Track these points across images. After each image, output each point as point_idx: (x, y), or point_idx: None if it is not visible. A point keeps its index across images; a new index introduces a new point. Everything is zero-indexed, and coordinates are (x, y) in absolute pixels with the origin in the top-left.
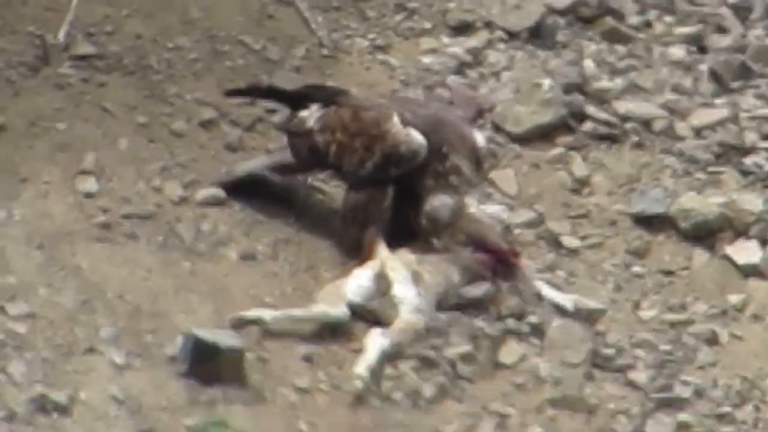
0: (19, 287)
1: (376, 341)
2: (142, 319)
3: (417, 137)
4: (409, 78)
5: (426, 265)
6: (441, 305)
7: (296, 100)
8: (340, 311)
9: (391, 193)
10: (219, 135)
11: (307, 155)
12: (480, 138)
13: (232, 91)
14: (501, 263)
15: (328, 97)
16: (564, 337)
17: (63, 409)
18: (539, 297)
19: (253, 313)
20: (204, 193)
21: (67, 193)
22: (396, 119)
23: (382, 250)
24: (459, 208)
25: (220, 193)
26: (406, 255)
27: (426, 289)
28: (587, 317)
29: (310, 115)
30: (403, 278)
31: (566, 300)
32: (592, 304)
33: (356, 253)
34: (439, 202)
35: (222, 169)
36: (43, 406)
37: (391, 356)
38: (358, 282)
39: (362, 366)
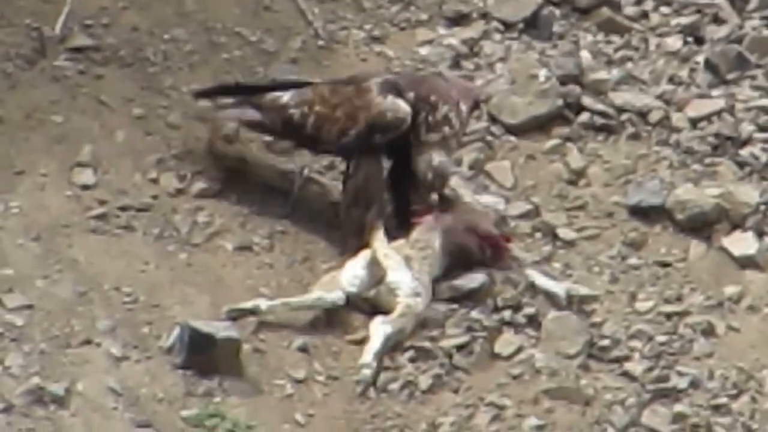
0: (17, 279)
1: (379, 329)
2: (138, 310)
3: (402, 104)
4: (405, 69)
5: (411, 243)
6: (438, 291)
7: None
8: (335, 296)
9: (386, 166)
10: (215, 127)
11: (281, 128)
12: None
13: (200, 92)
14: (493, 249)
15: (297, 86)
16: (560, 329)
17: (60, 401)
18: (532, 285)
19: (249, 303)
20: (200, 185)
21: (64, 185)
22: (375, 89)
23: (377, 237)
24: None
25: (215, 185)
26: (399, 243)
27: (418, 270)
28: (582, 306)
29: (283, 93)
30: (397, 264)
31: (558, 287)
32: (584, 290)
33: (359, 235)
34: (444, 157)
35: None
36: (40, 397)
37: (395, 343)
38: (352, 272)
39: (368, 355)
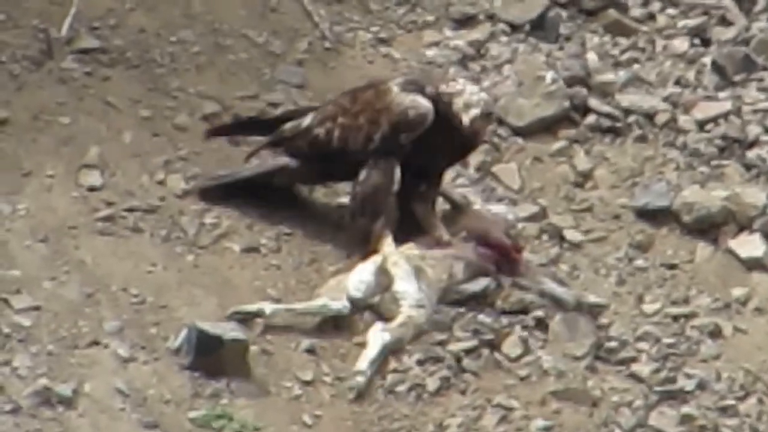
0: (24, 280)
1: (377, 336)
2: (146, 312)
3: (422, 101)
4: (411, 71)
5: (429, 260)
6: (443, 300)
7: (277, 126)
8: (340, 304)
9: (398, 180)
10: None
11: (308, 151)
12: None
13: (213, 130)
14: (504, 258)
15: (307, 112)
16: (567, 331)
17: (68, 402)
18: (542, 292)
19: (254, 306)
20: (191, 186)
21: (71, 186)
22: (396, 89)
23: (387, 245)
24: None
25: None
26: (410, 250)
27: (428, 284)
28: (590, 311)
29: (303, 119)
30: (405, 273)
31: (568, 295)
32: (593, 298)
33: (364, 244)
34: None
35: (224, 163)
36: (47, 399)
37: (394, 351)
38: (359, 277)
39: (364, 361)
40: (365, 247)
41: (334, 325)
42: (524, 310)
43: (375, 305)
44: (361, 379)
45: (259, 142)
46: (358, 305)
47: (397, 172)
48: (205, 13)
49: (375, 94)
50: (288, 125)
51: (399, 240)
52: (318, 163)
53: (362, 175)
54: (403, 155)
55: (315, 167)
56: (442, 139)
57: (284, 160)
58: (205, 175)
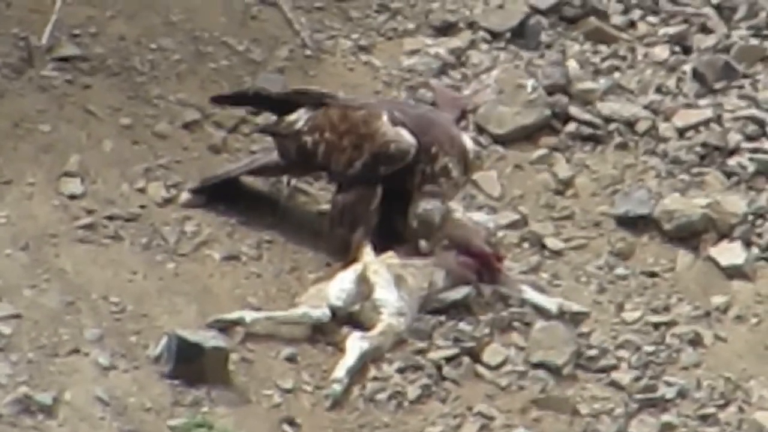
0: (4, 288)
1: (355, 345)
2: (126, 320)
3: (407, 137)
4: (392, 79)
5: (410, 269)
6: (423, 308)
7: (282, 104)
8: (320, 312)
9: (379, 194)
10: (203, 136)
11: (295, 155)
12: (468, 141)
13: (218, 97)
14: (485, 267)
15: (314, 100)
16: (548, 339)
17: (48, 410)
18: (523, 300)
19: (234, 314)
20: (187, 194)
21: (52, 194)
22: (385, 118)
23: (367, 254)
24: (447, 212)
25: (203, 194)
26: (390, 259)
27: (409, 292)
28: (571, 319)
29: (299, 117)
30: (385, 282)
31: (550, 303)
32: (576, 307)
33: (343, 254)
34: (430, 205)
35: (205, 171)
36: (27, 407)
37: (373, 359)
38: (340, 286)
39: (341, 370)
40: (345, 256)
41: (315, 333)
42: (504, 319)
43: (355, 314)
44: (337, 387)
45: (237, 151)
46: (338, 314)
47: (380, 187)
48: (186, 20)
49: (365, 116)
50: (287, 119)
51: (378, 249)
52: (304, 166)
53: (344, 185)
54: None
55: (301, 169)
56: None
57: (275, 158)
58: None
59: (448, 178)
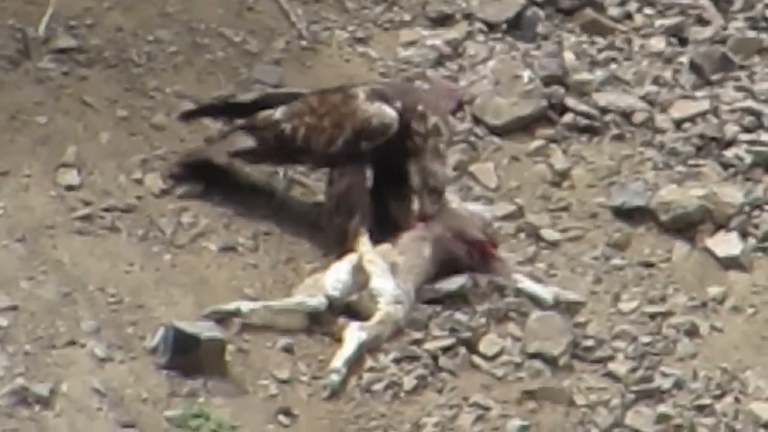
0: (1, 280)
1: (353, 335)
2: (123, 311)
3: (388, 110)
4: (388, 70)
5: (400, 248)
6: (420, 287)
7: (252, 109)
8: (317, 301)
9: (369, 176)
10: (199, 128)
11: (274, 142)
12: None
13: (187, 113)
14: (480, 255)
15: (285, 99)
16: (544, 329)
17: (45, 402)
18: (518, 290)
19: (231, 305)
20: (184, 186)
21: (49, 186)
22: (363, 96)
23: (363, 243)
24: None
25: (200, 186)
26: (384, 247)
27: (404, 278)
28: (567, 309)
29: (275, 110)
30: (381, 271)
31: (546, 292)
32: (572, 296)
33: (341, 243)
34: (439, 166)
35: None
36: (24, 398)
37: (372, 349)
38: (336, 276)
39: (339, 360)
40: (342, 246)
41: (311, 323)
42: (501, 309)
43: (353, 303)
44: (335, 378)
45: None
46: (335, 304)
47: (368, 170)
48: (182, 12)
49: (342, 98)
50: (262, 114)
51: (375, 240)
52: (282, 154)
53: (334, 175)
54: (374, 155)
55: (279, 157)
56: (407, 150)
57: (250, 143)
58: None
59: (440, 135)
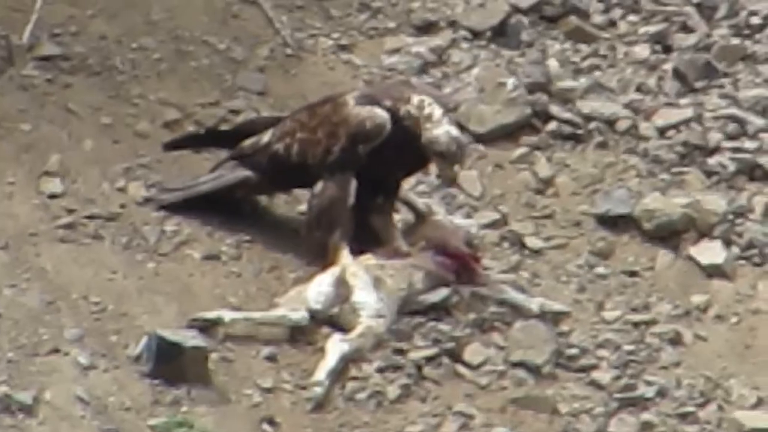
0: None
1: (335, 347)
2: (106, 319)
3: (379, 111)
4: (373, 77)
5: (389, 270)
6: (403, 310)
7: (234, 137)
8: (299, 315)
9: (353, 193)
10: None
11: (268, 167)
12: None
13: (171, 143)
14: (462, 267)
15: (267, 124)
16: (528, 338)
17: (28, 410)
18: (503, 300)
19: (213, 313)
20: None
21: (32, 193)
22: (352, 101)
23: (345, 256)
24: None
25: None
26: (368, 260)
27: (388, 294)
28: (551, 318)
29: (262, 135)
30: (364, 284)
31: (531, 302)
32: (557, 306)
33: (322, 256)
34: (445, 129)
35: (186, 171)
36: (8, 406)
37: (353, 360)
38: (318, 289)
39: (322, 372)
40: (323, 258)
41: (295, 333)
42: (484, 319)
43: (335, 316)
44: (318, 390)
45: (218, 153)
46: (317, 317)
47: (353, 185)
48: (167, 19)
49: (332, 107)
50: (248, 141)
51: (355, 252)
52: (278, 176)
53: (318, 187)
54: (360, 167)
55: (275, 181)
56: (399, 152)
57: (244, 173)
58: (164, 185)
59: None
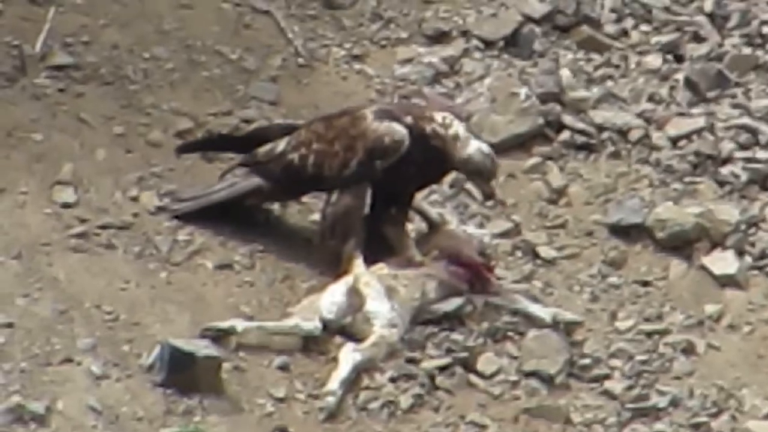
0: None
1: (348, 357)
2: (119, 328)
3: (398, 127)
4: (385, 87)
5: (402, 280)
6: (416, 319)
7: (248, 142)
8: (312, 325)
9: (368, 204)
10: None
11: (282, 176)
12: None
13: (183, 147)
14: (476, 277)
15: (279, 133)
16: (541, 348)
17: (40, 419)
18: (516, 310)
19: (225, 323)
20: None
21: (45, 203)
22: (370, 116)
23: (358, 266)
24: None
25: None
26: (381, 270)
27: (401, 303)
28: (564, 328)
29: (276, 144)
30: (377, 293)
31: (545, 312)
32: (570, 316)
33: (335, 265)
34: (476, 146)
35: (197, 179)
36: (20, 416)
37: (366, 370)
38: (331, 299)
39: (334, 382)
40: (337, 267)
41: (307, 342)
42: (498, 328)
43: (348, 326)
44: (331, 399)
45: (231, 160)
46: (331, 327)
47: (368, 195)
48: (179, 29)
49: (350, 120)
50: (262, 149)
51: (368, 261)
52: (292, 186)
53: (333, 197)
54: (375, 182)
55: (288, 190)
56: (418, 167)
57: (256, 181)
58: (177, 194)
59: (451, 127)
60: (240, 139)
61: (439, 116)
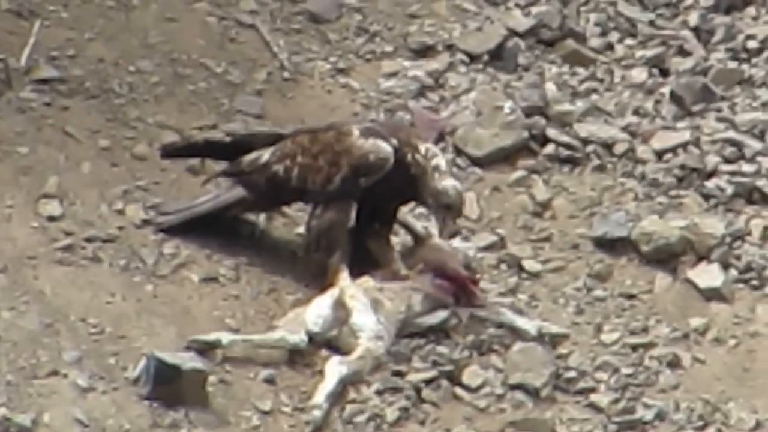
0: None
1: (334, 370)
2: (105, 341)
3: (383, 145)
4: (370, 101)
5: (387, 292)
6: (401, 332)
7: (233, 149)
8: (298, 337)
9: (353, 217)
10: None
11: (266, 187)
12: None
13: (168, 151)
14: (461, 290)
15: (265, 141)
16: (526, 360)
17: None
18: (501, 323)
19: (211, 336)
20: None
21: (30, 216)
22: (356, 132)
23: (343, 278)
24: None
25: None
26: (367, 282)
27: (387, 316)
28: (549, 341)
29: (260, 154)
30: (362, 306)
31: (530, 325)
32: (555, 329)
33: (320, 278)
34: (451, 182)
35: (183, 192)
36: (6, 429)
37: (352, 383)
38: (317, 311)
39: (320, 395)
40: (322, 280)
41: (293, 355)
42: (483, 341)
43: (333, 339)
44: (317, 413)
45: (215, 169)
46: (316, 340)
47: (353, 208)
48: (164, 42)
49: (335, 136)
50: (246, 158)
51: (354, 274)
52: (275, 197)
53: (318, 210)
54: (358, 197)
55: (272, 201)
56: (397, 189)
57: (240, 192)
58: (162, 208)
59: (435, 157)
60: (225, 146)
61: (423, 147)
